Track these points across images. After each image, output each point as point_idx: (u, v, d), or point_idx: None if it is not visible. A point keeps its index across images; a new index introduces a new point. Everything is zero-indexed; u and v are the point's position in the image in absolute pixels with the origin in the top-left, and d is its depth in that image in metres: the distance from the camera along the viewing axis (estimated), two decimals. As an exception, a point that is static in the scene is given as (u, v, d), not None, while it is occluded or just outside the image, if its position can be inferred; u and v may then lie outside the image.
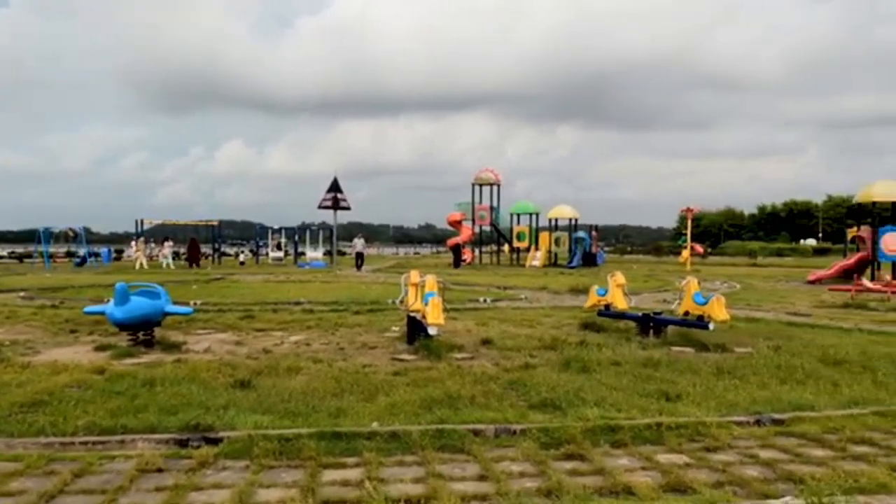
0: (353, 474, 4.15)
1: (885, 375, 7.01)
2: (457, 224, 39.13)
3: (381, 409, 5.47)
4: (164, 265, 32.95)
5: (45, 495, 3.79)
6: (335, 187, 35.27)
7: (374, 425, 4.99)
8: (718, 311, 8.99)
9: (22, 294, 16.61)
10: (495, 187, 38.61)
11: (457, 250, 36.53)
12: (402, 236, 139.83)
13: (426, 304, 8.44)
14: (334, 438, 4.71)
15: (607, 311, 10.89)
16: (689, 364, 7.53)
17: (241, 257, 41.61)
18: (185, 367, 7.16)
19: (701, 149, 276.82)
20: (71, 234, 40.42)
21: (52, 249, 38.43)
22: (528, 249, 38.95)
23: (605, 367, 7.26)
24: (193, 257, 34.62)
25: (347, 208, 36.03)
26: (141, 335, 8.68)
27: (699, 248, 50.84)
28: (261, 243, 44.18)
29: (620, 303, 10.83)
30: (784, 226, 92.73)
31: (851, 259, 24.97)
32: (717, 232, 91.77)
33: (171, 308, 9.38)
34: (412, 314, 9.05)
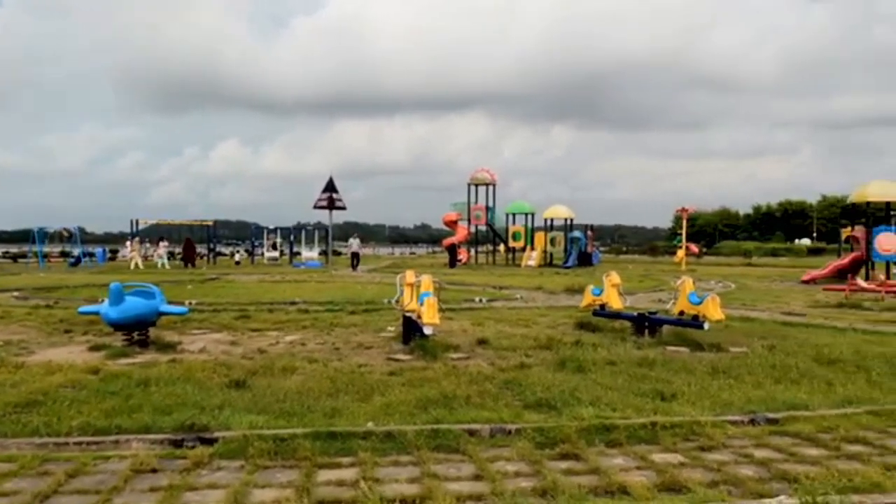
0: (349, 474, 4.14)
1: (879, 375, 7.04)
2: (452, 224, 39.15)
3: (377, 409, 5.47)
4: (160, 265, 32.87)
5: (40, 496, 3.78)
6: (331, 187, 35.27)
7: (370, 425, 4.98)
8: (713, 310, 9.01)
9: (16, 294, 16.56)
10: (491, 187, 38.63)
11: (452, 250, 36.54)
12: (398, 236, 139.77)
13: (422, 304, 8.44)
14: (329, 438, 4.71)
15: (602, 311, 10.90)
16: (684, 364, 7.55)
17: (237, 257, 41.58)
18: (180, 367, 7.15)
19: (696, 149, 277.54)
20: (65, 233, 40.32)
21: (46, 249, 38.36)
22: (523, 249, 38.94)
23: (600, 367, 7.27)
24: (189, 257, 34.55)
25: (343, 208, 36.05)
26: (136, 335, 8.66)
27: (694, 248, 50.86)
28: (256, 243, 44.11)
29: (616, 302, 10.84)
30: (779, 226, 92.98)
31: (846, 259, 25.05)
32: (712, 232, 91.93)
33: (165, 308, 9.36)
34: (408, 314, 9.05)
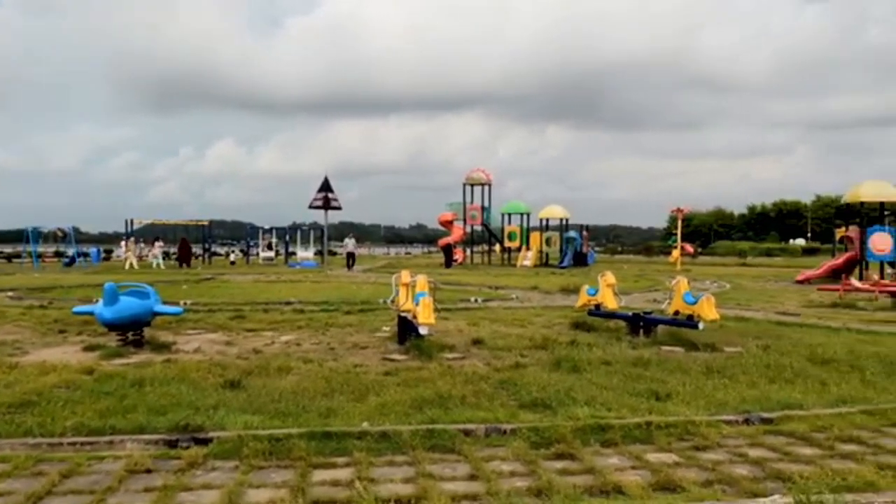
0: (344, 474, 4.14)
1: (873, 374, 7.07)
2: (448, 224, 39.14)
3: (372, 409, 5.47)
4: (154, 265, 32.79)
5: (33, 496, 3.76)
6: (326, 187, 35.22)
7: (365, 425, 4.98)
8: (708, 310, 9.03)
9: (10, 294, 16.48)
10: (486, 187, 38.67)
11: (448, 250, 36.54)
12: (394, 236, 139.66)
13: (417, 304, 8.44)
14: (324, 438, 4.70)
15: (598, 311, 10.92)
16: (678, 363, 7.56)
17: (232, 257, 41.49)
18: (175, 367, 7.13)
19: (691, 149, 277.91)
20: (60, 233, 40.17)
21: (40, 249, 38.19)
22: (519, 249, 38.99)
23: (595, 367, 7.28)
24: (184, 257, 34.48)
25: (338, 208, 36.01)
26: (130, 335, 8.64)
27: (689, 248, 51.01)
28: (251, 243, 44.05)
29: (611, 302, 10.86)
30: (773, 226, 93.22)
31: (840, 259, 25.14)
32: (707, 232, 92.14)
33: (160, 308, 9.34)
34: (403, 314, 9.05)
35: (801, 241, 77.39)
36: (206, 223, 42.28)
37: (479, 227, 39.84)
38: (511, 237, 40.06)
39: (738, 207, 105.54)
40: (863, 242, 22.95)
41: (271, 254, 41.58)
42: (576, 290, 13.77)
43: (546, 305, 14.41)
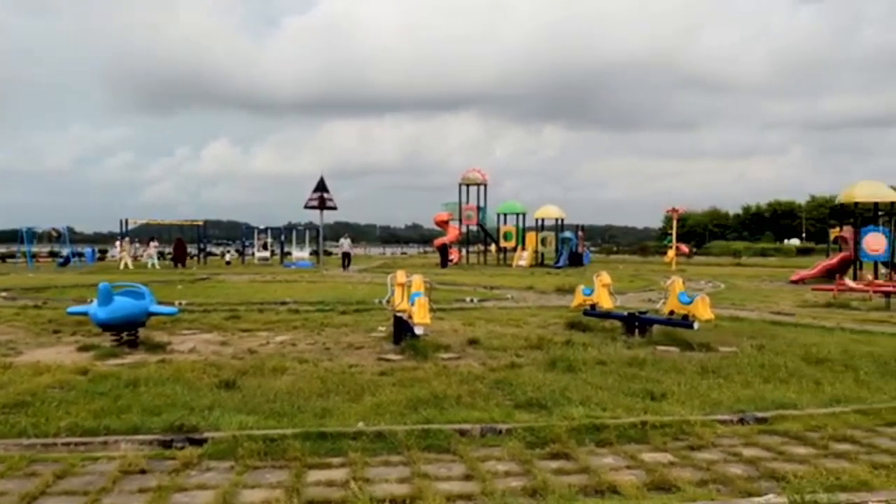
0: (339, 474, 4.14)
1: (867, 374, 7.09)
2: (444, 224, 39.14)
3: (367, 409, 5.46)
4: (149, 265, 32.72)
5: (27, 497, 3.75)
6: (321, 187, 35.11)
7: (360, 425, 4.98)
8: (703, 310, 9.05)
9: (4, 294, 16.43)
10: (482, 187, 38.66)
11: (444, 250, 36.54)
12: (389, 236, 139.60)
13: (413, 304, 8.44)
14: (320, 439, 4.70)
15: (593, 311, 10.93)
16: (673, 363, 7.58)
17: (227, 257, 41.46)
18: (170, 367, 7.12)
19: (686, 149, 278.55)
20: (54, 233, 40.07)
21: (35, 249, 38.11)
22: (514, 249, 39.00)
23: (590, 367, 7.29)
24: (179, 257, 34.42)
25: (334, 208, 35.89)
26: (125, 335, 8.62)
27: (684, 248, 51.11)
28: (247, 243, 43.97)
29: (606, 302, 10.87)
30: (768, 226, 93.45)
31: (834, 259, 25.21)
32: (702, 232, 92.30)
33: (155, 308, 9.31)
34: (399, 314, 9.05)
35: (795, 242, 77.58)
36: (201, 223, 42.22)
37: (474, 227, 39.85)
38: (507, 237, 40.08)
39: (733, 207, 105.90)
40: (857, 242, 23.02)
41: (267, 254, 41.51)
42: (571, 290, 13.78)
43: (541, 305, 14.43)
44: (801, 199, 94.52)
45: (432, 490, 3.83)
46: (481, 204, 38.71)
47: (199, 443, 4.63)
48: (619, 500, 3.79)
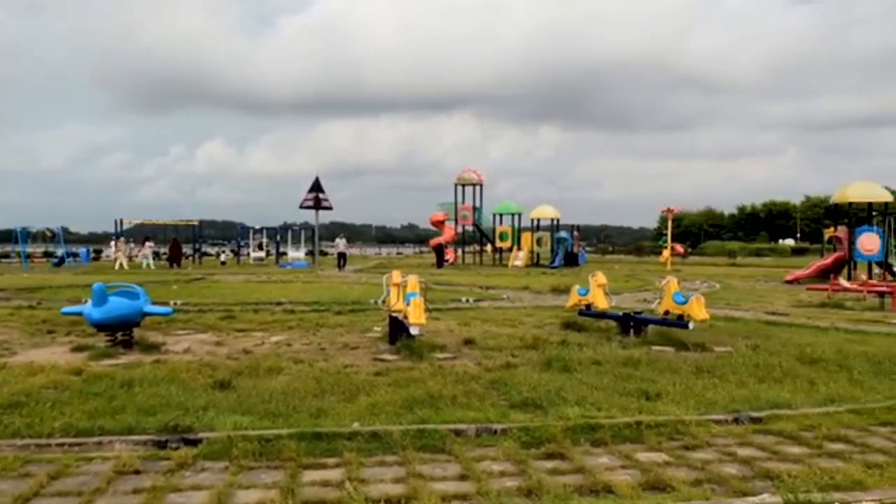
0: (334, 475, 4.13)
1: (861, 373, 7.11)
2: (440, 224, 39.16)
3: (362, 409, 5.46)
4: (144, 265, 32.64)
5: (21, 497, 3.74)
6: (317, 187, 35.10)
7: (355, 426, 4.97)
8: (698, 310, 9.07)
9: (-2, 294, 16.36)
10: (478, 187, 38.68)
11: (440, 250, 36.54)
12: (385, 236, 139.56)
13: (408, 305, 8.44)
14: (315, 439, 4.69)
15: (588, 311, 10.94)
16: (668, 363, 7.59)
17: (223, 257, 41.36)
18: (165, 367, 7.10)
19: (681, 150, 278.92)
20: (49, 233, 39.92)
21: (29, 249, 37.94)
22: (510, 249, 39.03)
23: (585, 367, 7.30)
24: (175, 257, 34.35)
25: (329, 208, 35.89)
26: (119, 336, 8.59)
27: (679, 249, 51.26)
28: (242, 243, 43.92)
29: (601, 302, 10.89)
30: (763, 226, 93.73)
31: (829, 259, 25.29)
32: (697, 232, 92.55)
33: (150, 308, 9.28)
34: (394, 314, 9.04)
35: (790, 242, 77.84)
36: (196, 223, 42.13)
37: (470, 228, 39.85)
38: (502, 237, 40.10)
39: (727, 208, 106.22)
40: (851, 243, 23.10)
41: (262, 254, 41.45)
42: (566, 290, 13.80)
43: (537, 305, 14.44)
44: (796, 200, 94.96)
45: (427, 490, 3.83)
46: (477, 204, 38.75)
47: (194, 443, 4.62)
48: (614, 500, 3.80)
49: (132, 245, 37.05)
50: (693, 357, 8.04)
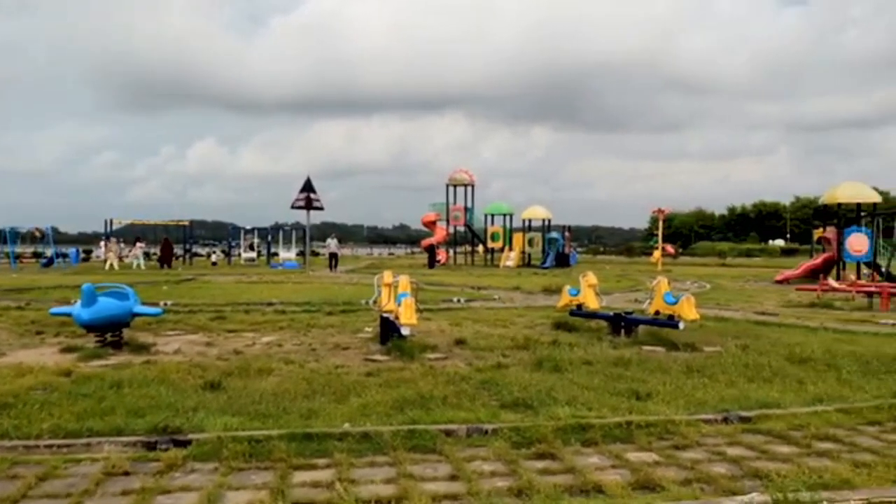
0: (324, 475, 4.12)
1: (849, 373, 7.15)
2: (431, 225, 39.16)
3: (353, 410, 5.45)
4: (135, 265, 32.48)
5: (8, 499, 3.71)
6: (308, 187, 34.95)
7: (346, 426, 4.96)
8: (688, 310, 9.11)
9: (-14, 295, 16.24)
10: (470, 188, 38.71)
11: (431, 251, 36.57)
12: (377, 237, 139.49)
13: (399, 305, 8.43)
14: (305, 440, 4.68)
15: (579, 311, 10.96)
16: (659, 363, 7.62)
17: (213, 258, 41.20)
18: (154, 368, 7.06)
19: (672, 150, 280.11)
20: (38, 234, 39.68)
21: (18, 250, 37.68)
22: (502, 250, 39.10)
23: (576, 367, 7.31)
24: (166, 258, 34.20)
25: (321, 208, 35.68)
26: (109, 336, 8.55)
27: (670, 249, 51.43)
28: (233, 244, 43.75)
29: (592, 302, 10.91)
30: (753, 226, 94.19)
31: (818, 259, 25.45)
32: (687, 233, 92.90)
33: (139, 309, 9.24)
34: (385, 315, 9.03)
35: (780, 242, 78.26)
36: (186, 223, 41.98)
37: (462, 228, 39.89)
38: (494, 238, 40.16)
39: (718, 208, 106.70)
40: (840, 243, 23.25)
41: (253, 254, 41.32)
42: (558, 291, 13.82)
43: (528, 306, 14.46)
44: (786, 200, 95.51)
45: (418, 490, 3.83)
46: (469, 204, 38.77)
47: (184, 444, 4.60)
48: (605, 500, 3.81)
49: (122, 245, 36.87)
50: (683, 357, 8.06)
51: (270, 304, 14.03)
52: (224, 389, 6.17)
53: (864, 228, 23.61)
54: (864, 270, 23.23)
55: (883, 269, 22.62)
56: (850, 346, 8.99)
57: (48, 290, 17.90)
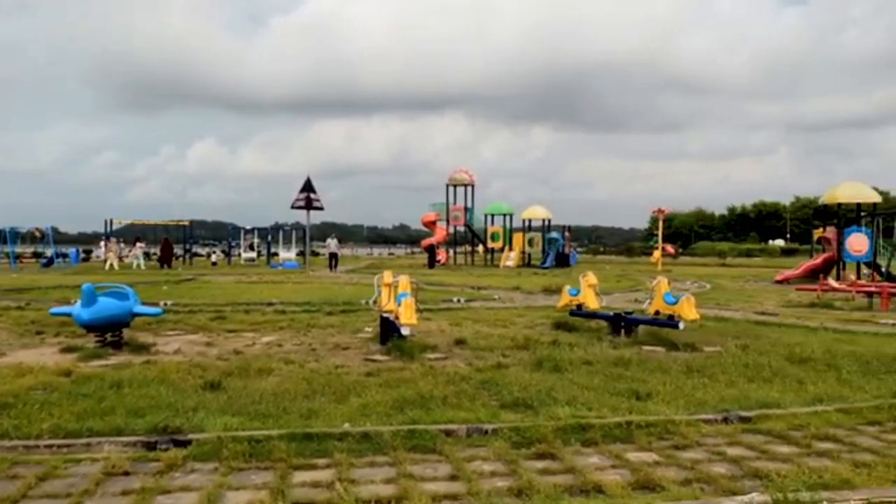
0: (324, 476, 4.12)
1: (849, 373, 7.15)
2: (431, 224, 39.17)
3: (353, 409, 5.45)
4: (135, 265, 32.48)
5: (8, 499, 3.71)
6: (308, 187, 34.96)
7: (346, 426, 4.96)
8: (688, 310, 9.10)
9: (-14, 295, 16.24)
10: (469, 188, 38.72)
11: (431, 251, 36.58)
12: (377, 237, 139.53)
13: (399, 305, 8.43)
14: (305, 440, 4.68)
15: (579, 311, 10.96)
16: (659, 363, 7.62)
17: (213, 258, 41.20)
18: (154, 368, 7.06)
19: (672, 150, 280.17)
20: (38, 234, 39.69)
21: (18, 250, 37.68)
22: (502, 250, 39.10)
23: (576, 367, 7.31)
24: (166, 258, 34.21)
25: (321, 208, 35.69)
26: (109, 336, 8.55)
27: (670, 249, 51.44)
28: (233, 244, 43.75)
29: (592, 302, 10.91)
30: (753, 226, 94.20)
31: (818, 259, 25.44)
32: (687, 233, 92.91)
33: (139, 309, 9.24)
34: (385, 315, 9.03)
35: (780, 242, 78.26)
36: (186, 223, 41.98)
37: (462, 228, 39.89)
38: (494, 238, 40.16)
39: (718, 208, 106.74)
40: (840, 243, 23.25)
41: (253, 254, 41.32)
42: (558, 291, 13.82)
43: (528, 306, 14.46)
44: (786, 200, 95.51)
45: (418, 490, 3.83)
46: (469, 204, 38.78)
47: (184, 444, 4.60)
48: (605, 500, 3.81)
49: (122, 245, 36.87)
50: (683, 357, 8.06)
51: (270, 304, 14.03)
52: (224, 389, 6.17)
53: (864, 228, 23.61)
54: (864, 270, 23.23)
55: (883, 269, 22.63)
56: (850, 346, 8.99)
57: (48, 290, 17.90)
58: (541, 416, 5.30)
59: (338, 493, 3.80)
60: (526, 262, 37.92)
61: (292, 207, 35.16)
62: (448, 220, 38.51)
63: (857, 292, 16.16)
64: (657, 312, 9.79)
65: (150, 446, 4.61)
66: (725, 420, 5.39)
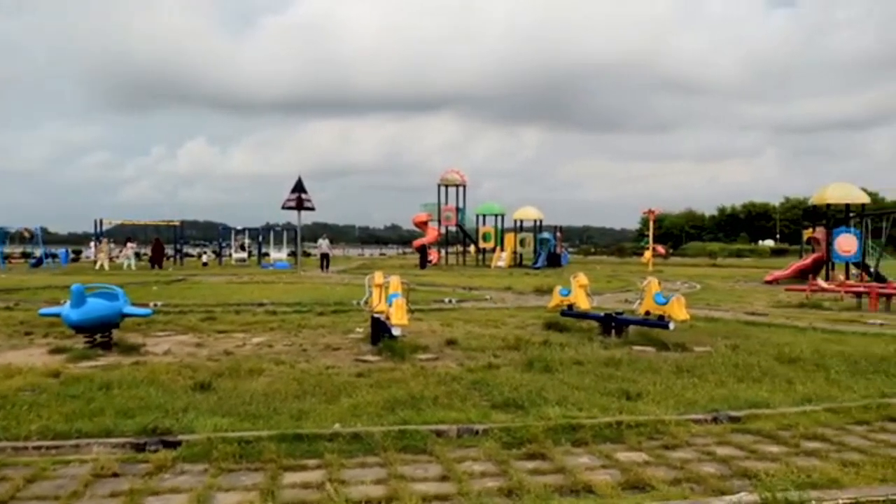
0: (315, 476, 4.11)
1: (838, 373, 7.19)
2: (423, 225, 39.18)
3: (344, 410, 5.44)
4: (125, 266, 32.32)
5: (-4, 502, 3.69)
6: (299, 187, 34.89)
7: (337, 427, 4.95)
8: (678, 310, 9.14)
9: (-26, 296, 16.12)
10: (461, 188, 38.76)
11: (423, 251, 36.57)
12: (368, 237, 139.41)
13: (390, 305, 8.42)
14: (295, 440, 4.67)
15: (570, 311, 10.99)
16: (649, 363, 7.64)
17: (204, 258, 41.08)
18: (144, 369, 7.03)
19: (663, 151, 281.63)
20: (27, 234, 39.42)
21: (6, 250, 37.44)
22: (493, 250, 39.14)
23: (567, 367, 7.33)
24: (157, 258, 34.06)
25: (312, 209, 35.65)
26: (98, 337, 8.51)
27: (661, 249, 51.64)
28: (224, 244, 43.60)
29: (583, 303, 10.93)
30: (743, 227, 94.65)
31: (807, 260, 25.58)
32: (678, 233, 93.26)
33: (129, 309, 9.20)
34: (376, 315, 9.02)
35: (769, 243, 78.64)
36: (177, 223, 41.81)
37: (453, 228, 39.90)
38: (485, 238, 40.21)
39: (708, 209, 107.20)
40: (829, 244, 23.38)
41: (244, 255, 41.19)
42: (549, 291, 13.84)
43: (519, 306, 14.48)
44: (776, 201, 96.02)
45: (408, 491, 3.83)
46: (460, 205, 38.84)
47: (173, 445, 4.58)
48: (595, 500, 3.82)
49: (112, 246, 36.68)
50: (673, 357, 8.09)
51: (261, 304, 13.99)
52: (214, 390, 6.14)
53: (852, 229, 23.77)
54: (853, 271, 23.38)
55: (871, 270, 22.77)
56: (838, 346, 9.04)
57: (37, 290, 17.80)
58: (531, 417, 5.31)
59: (328, 494, 3.79)
60: (517, 263, 37.97)
61: (283, 208, 35.07)
62: (439, 221, 38.52)
63: (846, 292, 16.26)
64: (647, 313, 9.82)
65: (140, 447, 4.58)
66: (715, 420, 5.41)
